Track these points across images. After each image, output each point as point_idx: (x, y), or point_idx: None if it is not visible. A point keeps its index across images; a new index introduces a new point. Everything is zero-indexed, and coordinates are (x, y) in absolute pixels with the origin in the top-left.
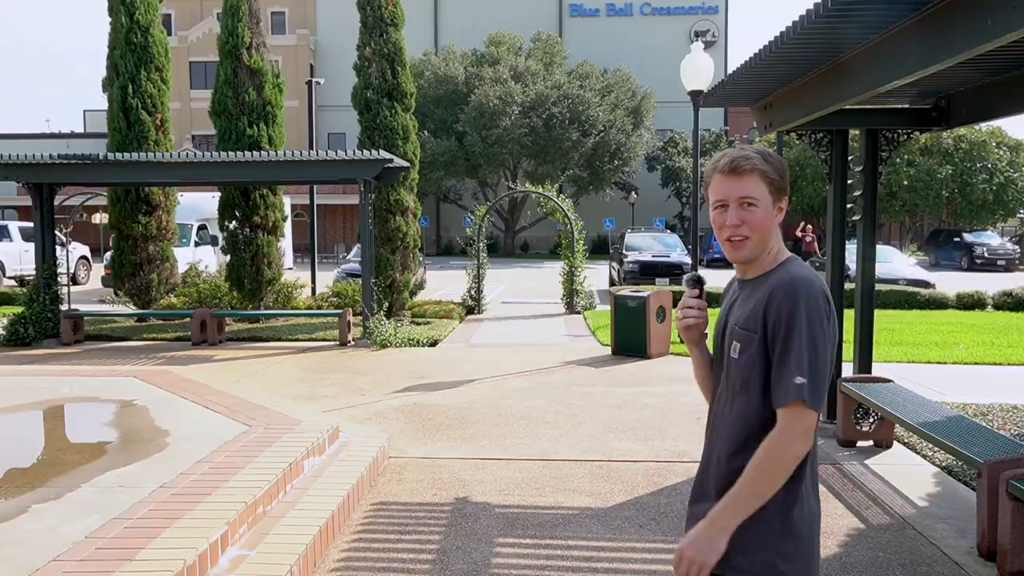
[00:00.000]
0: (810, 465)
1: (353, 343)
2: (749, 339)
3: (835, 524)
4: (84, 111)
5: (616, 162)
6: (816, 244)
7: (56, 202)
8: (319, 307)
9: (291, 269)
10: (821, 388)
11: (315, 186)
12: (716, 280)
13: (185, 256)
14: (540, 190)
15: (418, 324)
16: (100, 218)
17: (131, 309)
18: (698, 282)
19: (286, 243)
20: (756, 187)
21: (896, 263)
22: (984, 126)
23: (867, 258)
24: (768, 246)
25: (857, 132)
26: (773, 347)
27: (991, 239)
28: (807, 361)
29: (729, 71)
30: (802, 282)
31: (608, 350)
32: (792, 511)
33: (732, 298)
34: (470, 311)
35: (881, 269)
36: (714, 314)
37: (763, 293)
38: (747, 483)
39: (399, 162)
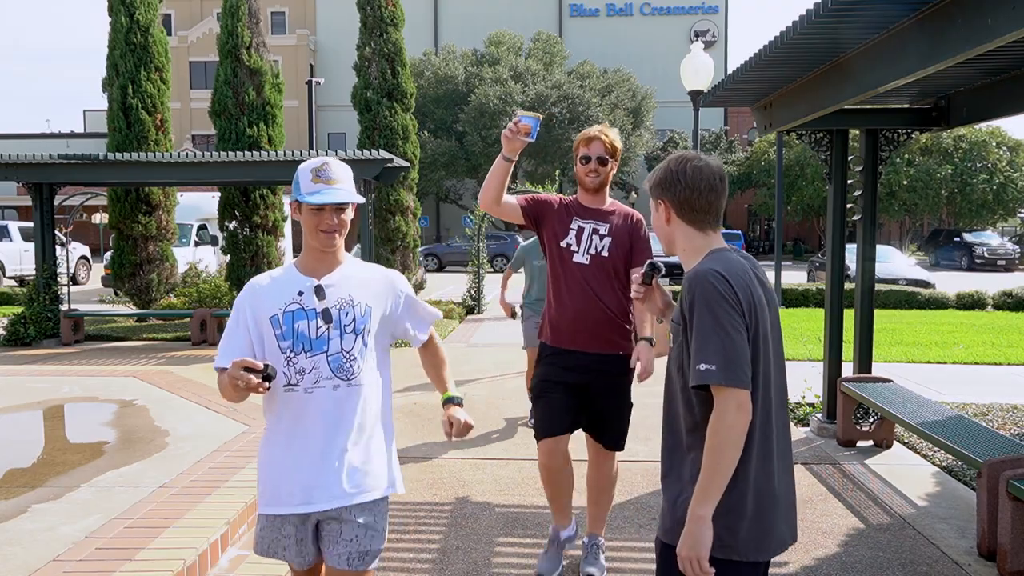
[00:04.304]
0: (756, 444)
1: None
2: (676, 329)
3: (835, 524)
4: (84, 111)
5: None
6: None
7: (56, 202)
8: None
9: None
10: (732, 366)
11: None
12: None
13: (185, 256)
14: (540, 190)
15: None
16: (100, 218)
17: (131, 309)
18: (648, 268)
19: (286, 243)
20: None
21: (896, 263)
22: (984, 126)
23: (867, 258)
24: (672, 245)
25: (857, 132)
26: (688, 335)
27: (991, 239)
28: (711, 346)
29: (729, 71)
30: (696, 273)
31: None
32: (733, 488)
33: None
34: (470, 311)
35: (881, 269)
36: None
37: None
38: (707, 465)
39: (399, 162)
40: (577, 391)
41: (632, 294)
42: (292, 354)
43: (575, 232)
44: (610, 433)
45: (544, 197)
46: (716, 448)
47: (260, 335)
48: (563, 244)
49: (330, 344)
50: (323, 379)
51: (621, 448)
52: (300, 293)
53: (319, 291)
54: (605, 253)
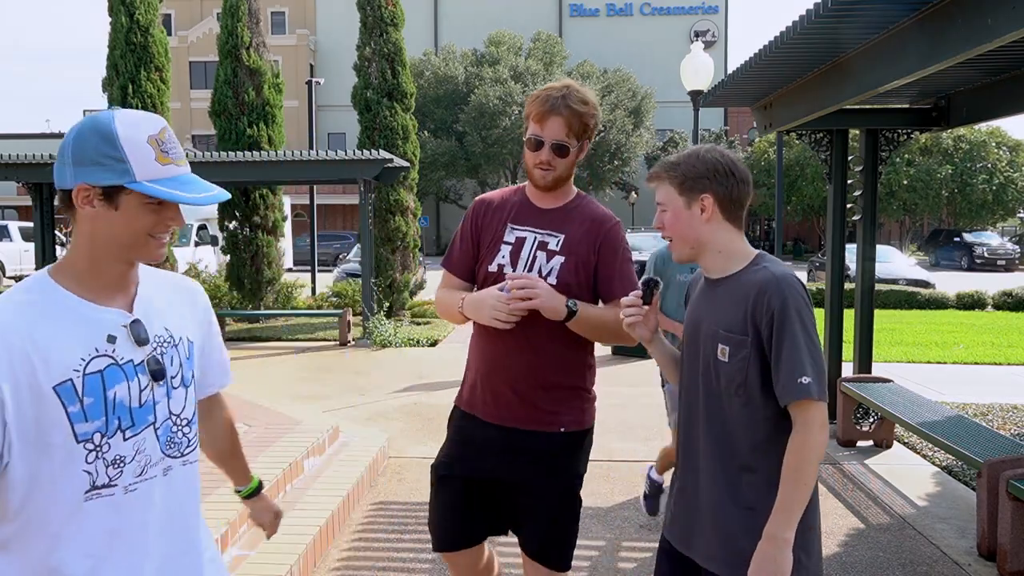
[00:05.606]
0: None
1: (353, 343)
2: (736, 341)
3: (835, 524)
4: (84, 111)
5: (616, 162)
6: None
7: (56, 202)
8: (319, 307)
9: (291, 270)
10: (823, 379)
11: (315, 186)
12: None
13: (185, 256)
14: None
15: (418, 324)
16: None
17: None
18: (647, 285)
19: (286, 243)
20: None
21: (896, 263)
22: (984, 126)
23: (867, 258)
24: (706, 247)
25: (857, 132)
26: (769, 347)
27: (991, 239)
28: (807, 358)
29: (729, 71)
30: (780, 278)
31: (608, 350)
32: (808, 506)
33: (700, 296)
34: None
35: (881, 269)
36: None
37: (744, 293)
38: (791, 486)
39: (399, 162)
40: (496, 482)
41: (623, 319)
42: (105, 439)
43: (511, 246)
44: (550, 546)
45: (457, 239)
46: (802, 465)
47: (32, 418)
48: (491, 269)
49: (157, 410)
50: (152, 465)
51: (567, 567)
52: (111, 338)
53: (138, 330)
54: (552, 279)
